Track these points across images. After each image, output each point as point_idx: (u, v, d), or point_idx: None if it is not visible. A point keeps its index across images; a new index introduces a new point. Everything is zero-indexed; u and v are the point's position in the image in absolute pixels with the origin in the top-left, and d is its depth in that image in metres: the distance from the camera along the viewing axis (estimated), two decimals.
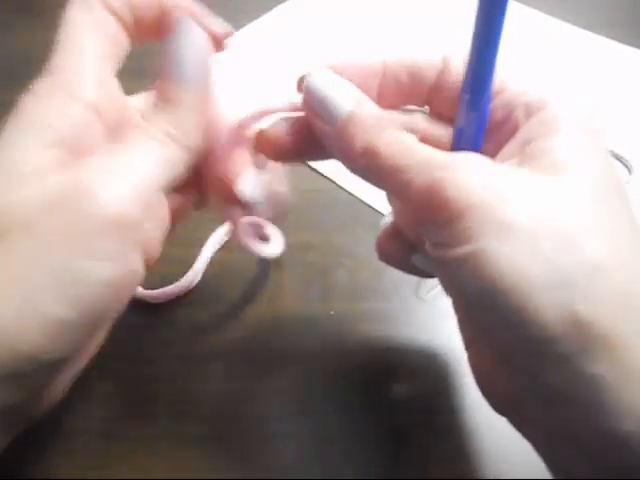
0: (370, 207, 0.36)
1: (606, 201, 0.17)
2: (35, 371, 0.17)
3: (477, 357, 0.21)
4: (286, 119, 0.21)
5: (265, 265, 0.33)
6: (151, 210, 0.19)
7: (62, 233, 0.17)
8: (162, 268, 0.31)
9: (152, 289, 0.30)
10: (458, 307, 0.20)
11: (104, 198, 0.17)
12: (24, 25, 0.51)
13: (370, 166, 0.19)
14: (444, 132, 0.21)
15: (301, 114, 0.21)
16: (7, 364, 0.16)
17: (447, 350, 0.29)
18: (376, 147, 0.18)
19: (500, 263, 0.16)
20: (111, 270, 0.17)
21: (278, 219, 0.25)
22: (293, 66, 0.45)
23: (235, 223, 0.24)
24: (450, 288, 0.19)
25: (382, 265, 0.32)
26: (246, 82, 0.44)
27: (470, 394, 0.27)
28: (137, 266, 0.19)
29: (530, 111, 0.18)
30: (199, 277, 0.32)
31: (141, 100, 0.23)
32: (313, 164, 0.38)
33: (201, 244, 0.33)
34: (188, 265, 0.32)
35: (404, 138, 0.18)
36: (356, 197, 0.36)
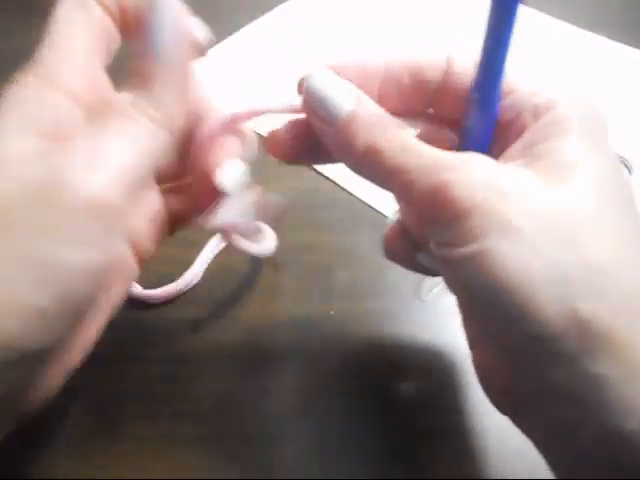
0: (370, 207, 0.36)
1: (610, 202, 0.17)
2: (16, 362, 0.16)
3: (481, 356, 0.21)
4: (291, 121, 0.21)
5: (265, 265, 0.33)
6: (135, 196, 0.18)
7: (38, 221, 0.16)
8: (162, 268, 0.31)
9: (152, 289, 0.30)
10: (462, 305, 0.20)
11: (79, 183, 0.16)
12: (24, 25, 0.51)
13: (372, 166, 0.19)
14: (445, 132, 0.21)
15: (301, 116, 0.21)
16: None
17: (448, 350, 0.29)
18: (378, 147, 0.18)
19: (504, 262, 0.16)
20: (89, 256, 0.17)
21: (272, 221, 0.25)
22: (293, 66, 0.45)
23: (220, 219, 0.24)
24: (455, 286, 0.19)
25: (382, 265, 0.32)
26: (246, 82, 0.44)
27: (473, 394, 0.27)
28: (120, 253, 0.19)
29: (538, 113, 0.18)
30: (199, 277, 0.32)
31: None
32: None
33: (201, 244, 0.33)
34: (188, 265, 0.32)
35: (406, 137, 0.18)
36: (356, 197, 0.36)
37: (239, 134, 0.22)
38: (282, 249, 0.33)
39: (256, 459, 0.26)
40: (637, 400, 0.15)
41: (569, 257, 0.16)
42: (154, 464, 0.25)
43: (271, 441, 0.26)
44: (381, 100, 0.20)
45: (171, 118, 0.19)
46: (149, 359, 0.29)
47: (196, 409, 0.27)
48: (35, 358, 0.18)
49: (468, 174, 0.17)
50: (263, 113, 0.22)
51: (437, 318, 0.30)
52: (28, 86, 0.18)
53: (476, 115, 0.19)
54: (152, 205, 0.20)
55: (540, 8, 0.51)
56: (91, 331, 0.21)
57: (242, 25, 0.49)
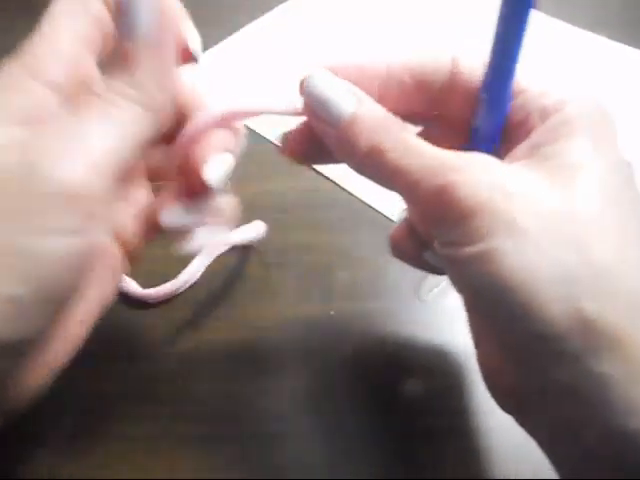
0: (370, 207, 0.36)
1: (615, 203, 0.17)
2: None
3: (485, 355, 0.21)
4: (305, 122, 0.21)
5: (265, 265, 0.33)
6: (119, 183, 0.18)
7: (11, 207, 0.16)
8: (161, 267, 0.31)
9: (151, 288, 0.31)
10: (467, 304, 0.20)
11: (54, 168, 0.16)
12: (24, 25, 0.51)
13: (376, 167, 0.19)
14: (447, 131, 0.21)
15: (302, 118, 0.21)
16: None
17: (449, 349, 0.29)
18: (381, 147, 0.18)
19: (510, 261, 0.16)
20: (65, 243, 0.17)
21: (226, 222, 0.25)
22: (293, 66, 0.45)
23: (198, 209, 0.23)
24: (459, 285, 0.19)
25: (382, 265, 0.32)
26: (246, 82, 0.44)
27: (475, 393, 0.27)
28: (102, 242, 0.18)
29: (547, 114, 0.18)
30: (197, 276, 0.32)
31: None
32: None
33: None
34: (187, 264, 0.32)
35: (409, 137, 0.18)
36: (356, 197, 0.36)
37: (231, 128, 0.22)
38: (282, 249, 0.33)
39: (256, 459, 0.26)
40: None
41: (574, 257, 0.16)
42: (154, 464, 0.25)
43: (271, 441, 0.26)
44: (381, 100, 0.20)
45: (153, 99, 0.18)
46: (149, 359, 0.29)
47: (196, 409, 0.27)
48: (13, 350, 0.17)
49: (473, 175, 0.17)
50: (261, 113, 0.22)
51: (437, 318, 0.30)
52: (11, 75, 0.18)
53: (485, 115, 0.19)
54: (141, 200, 0.20)
55: (540, 8, 0.51)
56: (78, 327, 0.21)
57: (242, 25, 0.49)
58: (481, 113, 0.19)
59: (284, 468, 0.25)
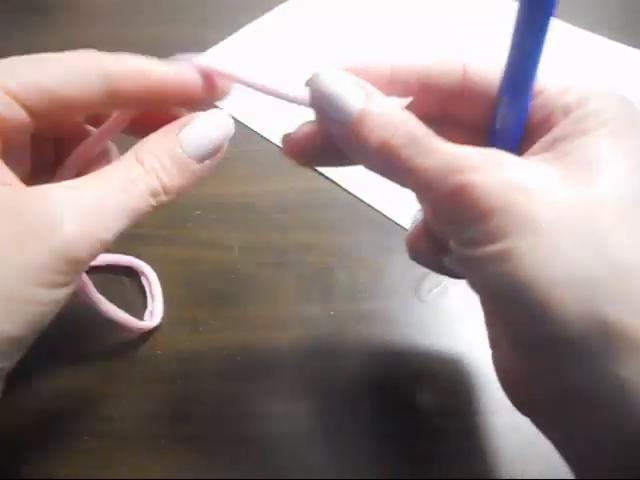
0: (370, 207, 0.36)
1: (637, 201, 0.16)
2: None
3: (501, 356, 0.21)
4: (308, 122, 0.21)
5: (265, 265, 0.33)
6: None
7: (21, 263, 0.17)
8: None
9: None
10: (484, 304, 0.20)
11: (72, 235, 0.17)
12: (24, 25, 0.51)
13: (387, 165, 0.18)
14: (455, 131, 0.20)
15: (304, 115, 0.21)
16: None
17: (450, 349, 0.29)
18: (392, 144, 0.17)
19: (528, 261, 0.16)
20: (62, 294, 0.18)
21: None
22: (293, 66, 0.45)
23: None
24: (476, 285, 0.19)
25: (382, 265, 0.32)
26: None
27: (477, 393, 0.27)
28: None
29: (569, 110, 0.18)
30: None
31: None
32: None
33: None
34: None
35: (422, 135, 0.18)
36: (356, 197, 0.36)
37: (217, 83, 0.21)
38: (282, 249, 0.33)
39: (256, 459, 0.26)
40: None
41: (592, 257, 0.15)
42: (154, 464, 0.25)
43: (271, 441, 0.26)
44: None
45: (164, 198, 0.19)
46: (149, 359, 0.29)
47: (196, 409, 0.27)
48: None
49: (489, 173, 0.16)
50: (267, 92, 0.20)
51: (437, 318, 0.30)
52: None
53: (506, 116, 0.19)
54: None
55: None
56: None
57: (242, 25, 0.49)
58: (502, 115, 0.19)
59: (284, 468, 0.25)
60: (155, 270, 0.32)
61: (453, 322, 0.30)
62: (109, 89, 0.19)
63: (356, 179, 0.37)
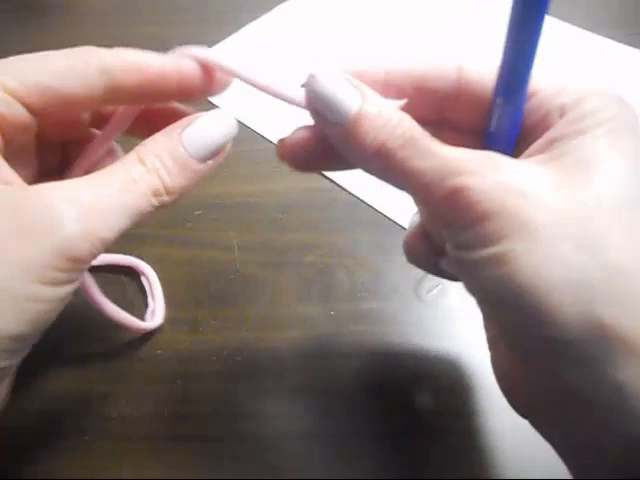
0: (370, 207, 0.36)
1: (633, 204, 0.16)
2: None
3: (499, 358, 0.21)
4: (303, 127, 0.20)
5: (265, 265, 0.33)
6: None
7: (26, 260, 0.17)
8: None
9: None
10: (480, 307, 0.20)
11: (72, 234, 0.17)
12: (24, 25, 0.51)
13: (384, 168, 0.18)
14: (450, 134, 0.21)
15: (302, 119, 0.21)
16: None
17: (450, 349, 0.29)
18: (389, 146, 0.17)
19: (523, 264, 0.16)
20: (65, 291, 0.18)
21: None
22: (293, 66, 0.45)
23: None
24: (472, 288, 0.18)
25: (382, 265, 0.32)
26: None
27: (477, 393, 0.27)
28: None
29: (565, 111, 0.18)
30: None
31: None
32: None
33: None
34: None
35: (418, 136, 0.18)
36: (356, 197, 0.36)
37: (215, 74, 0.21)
38: (282, 249, 0.33)
39: (256, 459, 0.26)
40: None
41: (588, 260, 0.15)
42: (154, 464, 0.25)
43: (271, 441, 0.26)
44: None
45: (167, 200, 0.19)
46: (149, 359, 0.29)
47: (196, 409, 0.27)
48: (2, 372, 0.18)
49: (485, 177, 0.16)
50: (262, 89, 0.20)
51: (437, 318, 0.30)
52: None
53: (501, 119, 0.19)
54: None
55: None
56: None
57: (242, 25, 0.49)
58: (497, 116, 0.19)
59: (284, 468, 0.25)
60: (155, 270, 0.32)
61: (453, 322, 0.30)
62: (109, 84, 0.19)
63: (356, 179, 0.37)
